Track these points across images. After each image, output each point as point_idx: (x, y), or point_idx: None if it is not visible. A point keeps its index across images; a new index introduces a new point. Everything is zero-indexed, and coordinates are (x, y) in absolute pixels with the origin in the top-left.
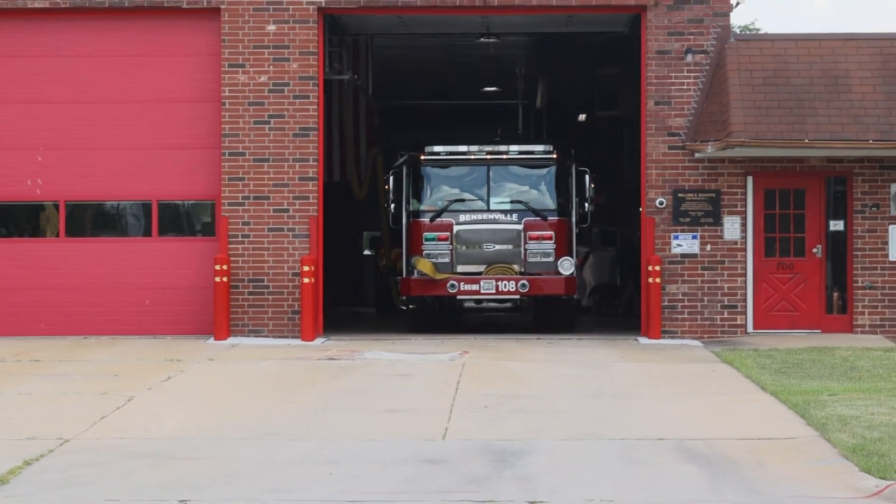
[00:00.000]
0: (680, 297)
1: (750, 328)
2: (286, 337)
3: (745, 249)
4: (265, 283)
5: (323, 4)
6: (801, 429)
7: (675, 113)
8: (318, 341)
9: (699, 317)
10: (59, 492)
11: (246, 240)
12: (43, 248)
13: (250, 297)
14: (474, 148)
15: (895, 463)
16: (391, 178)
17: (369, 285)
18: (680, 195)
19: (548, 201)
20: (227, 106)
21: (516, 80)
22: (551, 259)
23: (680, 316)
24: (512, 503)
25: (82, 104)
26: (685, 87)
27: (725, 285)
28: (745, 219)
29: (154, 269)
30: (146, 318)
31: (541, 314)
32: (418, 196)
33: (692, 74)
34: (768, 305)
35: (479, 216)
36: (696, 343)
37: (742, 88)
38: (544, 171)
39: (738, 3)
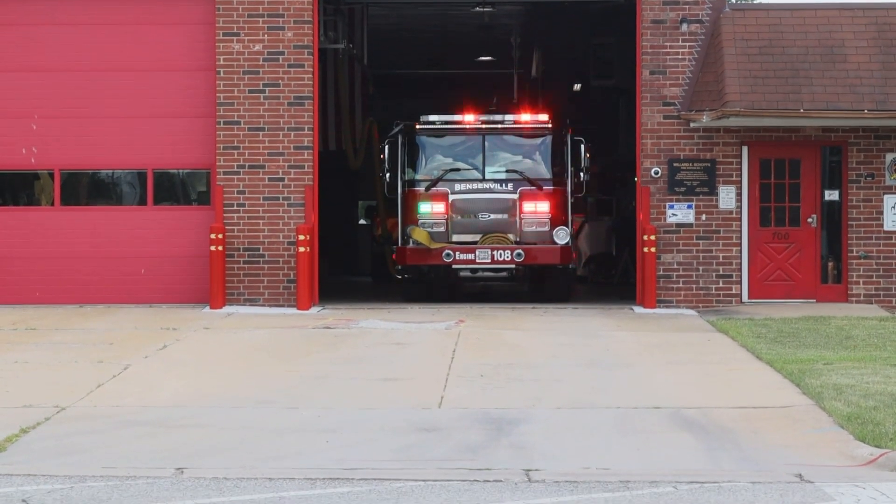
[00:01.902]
0: (675, 266)
1: (745, 297)
2: (282, 306)
3: (740, 219)
4: (261, 252)
5: None
6: (797, 397)
7: (670, 82)
8: (314, 310)
9: (694, 286)
10: (55, 459)
11: (241, 209)
12: (38, 216)
13: (246, 265)
14: (469, 117)
15: (890, 431)
16: (386, 147)
17: (365, 254)
18: (675, 165)
19: (543, 171)
20: (222, 75)
21: (511, 50)
22: (547, 228)
23: (675, 285)
24: (508, 471)
25: (77, 72)
26: (680, 56)
27: (721, 255)
28: (740, 188)
29: (149, 237)
30: (142, 286)
31: (536, 283)
32: (413, 166)
33: (687, 44)
34: (763, 275)
35: (475, 185)
36: (692, 312)
37: (737, 58)
38: (539, 140)
39: None
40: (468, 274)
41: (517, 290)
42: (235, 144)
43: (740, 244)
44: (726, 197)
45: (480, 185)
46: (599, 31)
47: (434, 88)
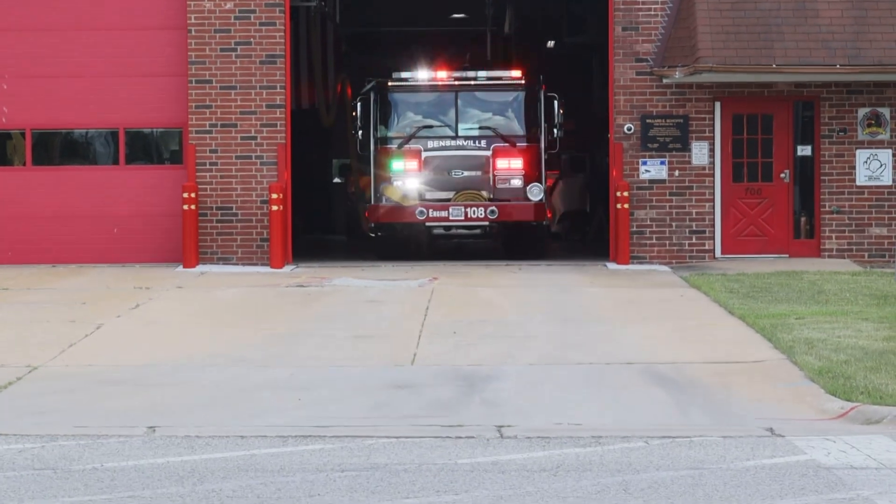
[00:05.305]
0: (648, 222)
1: (718, 253)
2: (255, 264)
3: (713, 175)
4: (234, 211)
5: None
6: (769, 352)
7: (642, 38)
8: (288, 268)
9: (667, 242)
10: (26, 419)
11: (214, 168)
12: (10, 176)
13: (219, 224)
14: (442, 74)
15: (861, 385)
16: (359, 105)
17: (339, 213)
18: (648, 121)
19: (516, 127)
20: (194, 33)
21: (485, 6)
22: (520, 185)
23: (648, 241)
24: (480, 427)
25: (48, 31)
26: (653, 12)
27: (693, 210)
28: (713, 144)
29: (122, 197)
30: (114, 246)
31: (510, 240)
32: (386, 123)
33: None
34: (736, 230)
35: (448, 143)
36: (665, 268)
37: (710, 14)
38: (512, 97)
39: None
40: (442, 231)
41: (491, 248)
42: (207, 103)
43: (713, 200)
44: (699, 153)
45: (453, 143)
46: None
47: (407, 46)
